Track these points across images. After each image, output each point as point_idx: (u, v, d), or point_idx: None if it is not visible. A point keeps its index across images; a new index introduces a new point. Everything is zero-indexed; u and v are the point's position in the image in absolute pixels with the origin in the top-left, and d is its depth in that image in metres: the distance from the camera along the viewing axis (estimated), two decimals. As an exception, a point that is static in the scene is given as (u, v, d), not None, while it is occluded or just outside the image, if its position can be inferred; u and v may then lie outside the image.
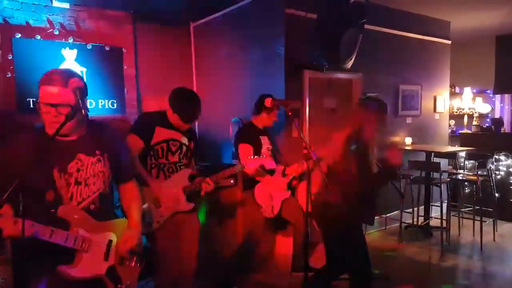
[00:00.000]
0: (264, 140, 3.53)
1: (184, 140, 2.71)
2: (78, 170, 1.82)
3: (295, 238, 3.62)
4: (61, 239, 1.73)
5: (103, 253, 1.89)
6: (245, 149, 3.37)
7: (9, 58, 4.28)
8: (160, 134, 2.62)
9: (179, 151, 2.69)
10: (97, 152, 1.89)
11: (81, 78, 1.82)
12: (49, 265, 1.75)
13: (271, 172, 3.46)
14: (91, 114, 1.96)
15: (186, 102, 2.63)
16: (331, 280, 2.87)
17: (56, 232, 1.71)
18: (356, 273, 2.76)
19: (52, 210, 1.75)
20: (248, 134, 3.49)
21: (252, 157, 2.95)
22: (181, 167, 2.71)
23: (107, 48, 4.86)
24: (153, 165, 2.63)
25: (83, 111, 1.71)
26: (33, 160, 1.66)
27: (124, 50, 5.01)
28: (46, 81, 1.71)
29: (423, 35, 5.60)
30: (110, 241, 1.92)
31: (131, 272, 2.01)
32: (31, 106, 4.28)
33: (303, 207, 3.05)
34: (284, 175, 3.52)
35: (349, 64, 4.15)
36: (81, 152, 1.84)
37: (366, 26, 4.00)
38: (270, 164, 3.12)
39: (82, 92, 1.76)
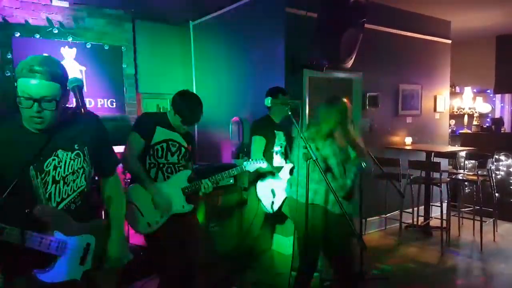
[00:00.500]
0: (279, 136, 3.54)
1: (183, 142, 2.72)
2: (55, 168, 1.68)
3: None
4: (34, 243, 1.60)
5: (80, 258, 1.75)
6: (257, 143, 3.41)
7: (8, 56, 4.27)
8: (161, 134, 2.63)
9: (178, 152, 2.69)
10: (76, 146, 1.74)
11: (65, 69, 1.66)
12: (24, 268, 1.65)
13: (278, 169, 3.45)
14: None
15: (189, 104, 2.63)
16: (307, 280, 2.88)
17: (28, 236, 1.58)
18: (345, 272, 2.79)
19: (27, 211, 1.61)
20: (264, 126, 3.50)
21: (252, 160, 2.99)
22: (180, 168, 2.71)
23: (106, 47, 4.85)
24: (152, 165, 2.62)
25: (82, 110, 1.60)
26: (9, 156, 1.55)
27: (123, 49, 5.00)
28: (26, 73, 1.52)
29: (424, 34, 5.59)
30: (89, 245, 1.78)
31: (109, 277, 1.90)
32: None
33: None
34: (291, 173, 3.51)
35: (349, 63, 4.15)
36: (58, 148, 1.69)
37: (367, 26, 3.99)
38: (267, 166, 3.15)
39: (81, 89, 1.65)
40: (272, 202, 3.46)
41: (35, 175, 1.65)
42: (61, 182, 1.71)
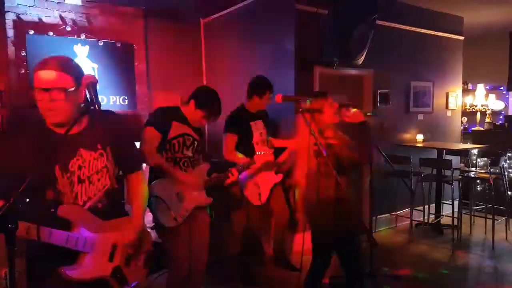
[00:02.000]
0: (257, 125, 3.53)
1: (196, 136, 2.76)
2: (80, 168, 1.72)
3: (276, 224, 3.74)
4: (61, 240, 1.63)
5: (108, 254, 1.78)
6: (228, 140, 3.42)
7: (22, 54, 4.33)
8: (177, 128, 2.67)
9: (192, 146, 2.74)
10: (99, 146, 1.77)
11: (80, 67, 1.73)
12: (54, 265, 1.67)
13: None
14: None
15: (212, 99, 2.71)
16: (319, 277, 2.88)
17: (54, 233, 1.61)
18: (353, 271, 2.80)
19: (52, 210, 1.65)
20: (237, 121, 3.49)
21: (260, 153, 3.01)
22: (194, 161, 2.76)
23: (118, 45, 4.89)
24: (169, 159, 2.66)
25: (96, 105, 1.63)
26: (34, 156, 1.58)
27: (135, 47, 5.04)
28: (40, 66, 1.61)
29: (436, 31, 5.53)
30: (116, 241, 1.82)
31: (139, 272, 1.93)
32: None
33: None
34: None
35: (360, 60, 4.13)
36: (82, 147, 1.73)
37: (378, 22, 3.97)
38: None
39: (95, 86, 1.68)
40: (259, 194, 3.41)
41: (61, 175, 1.68)
42: (87, 181, 1.74)
